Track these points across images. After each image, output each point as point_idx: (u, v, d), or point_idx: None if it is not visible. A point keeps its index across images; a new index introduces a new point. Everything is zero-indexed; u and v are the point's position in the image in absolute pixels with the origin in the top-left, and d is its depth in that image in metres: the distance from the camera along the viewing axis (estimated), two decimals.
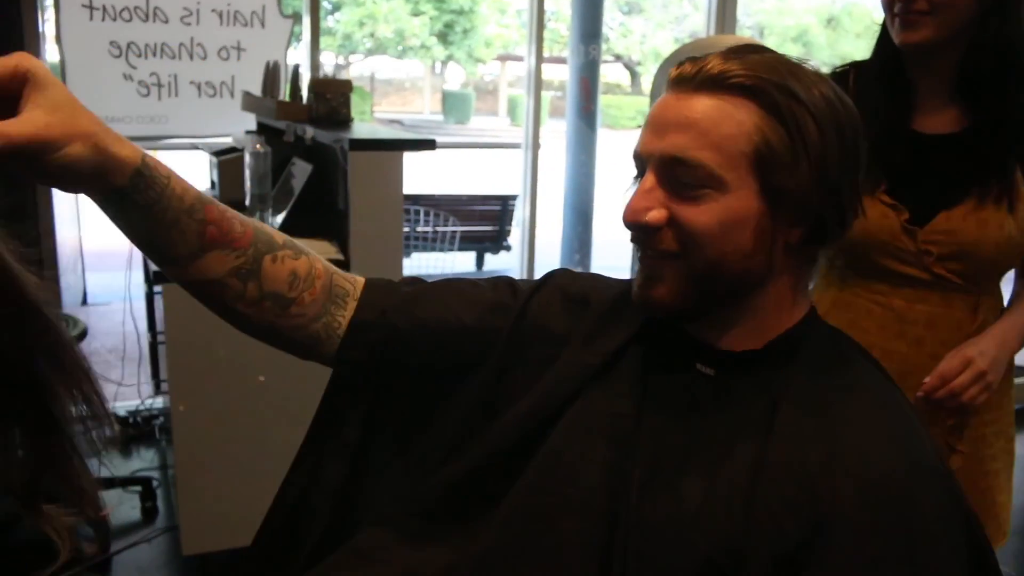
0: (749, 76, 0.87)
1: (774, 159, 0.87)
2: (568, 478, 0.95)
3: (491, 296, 1.08)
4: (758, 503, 0.86)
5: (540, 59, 4.61)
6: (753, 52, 0.90)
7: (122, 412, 3.86)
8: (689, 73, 0.90)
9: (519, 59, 21.84)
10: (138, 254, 3.80)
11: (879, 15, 1.53)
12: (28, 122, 0.74)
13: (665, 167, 0.89)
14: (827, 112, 0.88)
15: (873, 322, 1.56)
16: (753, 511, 0.86)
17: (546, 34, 4.66)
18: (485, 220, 6.41)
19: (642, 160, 0.93)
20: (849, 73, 1.61)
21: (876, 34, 1.57)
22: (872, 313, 1.56)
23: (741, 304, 0.94)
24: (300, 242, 1.04)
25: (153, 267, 2.63)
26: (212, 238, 0.91)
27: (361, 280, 1.08)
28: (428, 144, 2.82)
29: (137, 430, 3.79)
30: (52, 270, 3.81)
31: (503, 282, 1.11)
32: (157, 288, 2.71)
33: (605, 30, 6.15)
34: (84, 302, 5.43)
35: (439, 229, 4.62)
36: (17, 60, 0.74)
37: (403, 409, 1.11)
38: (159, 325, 3.18)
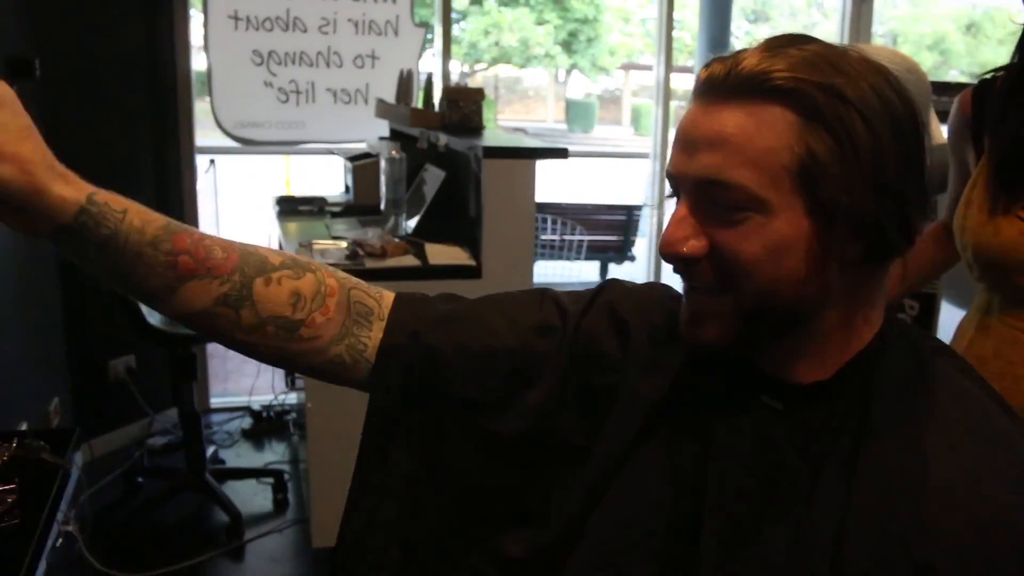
0: (787, 77, 0.76)
1: (821, 171, 0.76)
2: (633, 526, 0.88)
3: (537, 316, 0.97)
4: (847, 563, 0.77)
5: (669, 68, 4.59)
6: (792, 45, 0.79)
7: (256, 406, 4.02)
8: (719, 75, 0.79)
9: (643, 68, 21.67)
10: None
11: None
12: None
13: (700, 190, 0.80)
14: (878, 108, 0.77)
15: (1019, 352, 1.43)
16: (843, 571, 0.77)
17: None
18: (610, 230, 6.38)
19: (675, 181, 0.83)
20: (996, 79, 1.50)
21: (1019, 37, 1.44)
22: (1017, 343, 1.44)
23: (799, 333, 0.83)
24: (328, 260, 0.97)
25: None
26: (187, 268, 0.84)
27: (390, 296, 0.97)
28: (560, 152, 2.84)
29: (270, 424, 3.94)
30: None
31: (549, 298, 1.00)
32: None
33: (731, 39, 6.03)
34: None
35: (565, 238, 4.59)
36: None
37: (449, 437, 1.00)
38: None
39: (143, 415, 3.77)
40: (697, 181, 0.79)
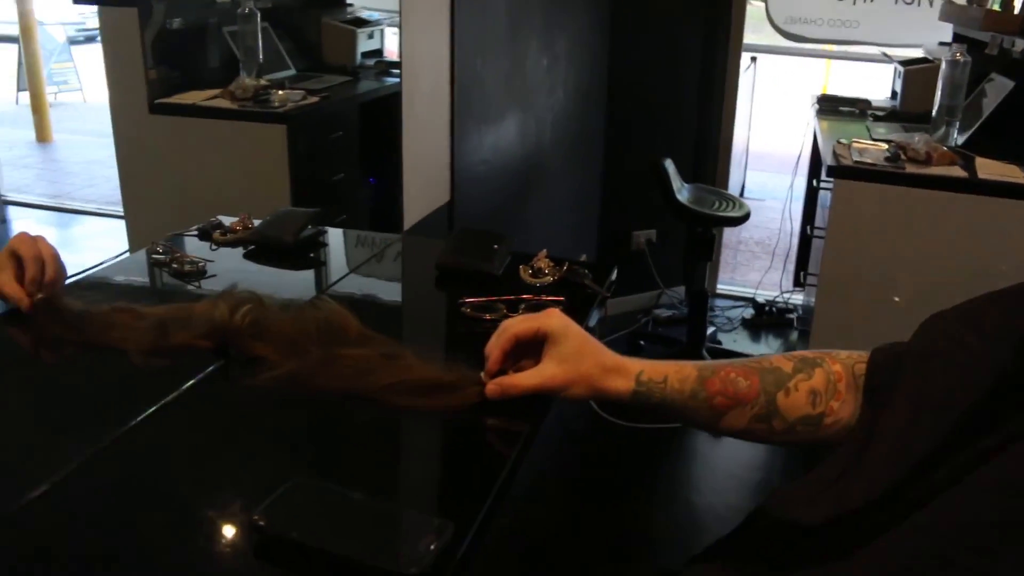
0: None
1: None
2: None
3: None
4: None
5: None
6: None
7: (760, 299, 4.09)
8: None
9: None
10: (804, 160, 3.94)
11: None
12: (537, 374, 0.97)
13: None
14: None
15: None
16: None
17: None
18: None
19: None
20: None
21: None
22: None
23: None
24: (811, 355, 0.98)
25: (827, 162, 2.69)
26: (722, 405, 0.97)
27: None
28: None
29: (770, 319, 4.00)
30: (725, 163, 4.11)
31: None
32: (826, 183, 2.77)
33: None
34: (740, 195, 5.80)
35: None
36: (539, 324, 0.97)
37: None
38: (818, 221, 3.27)
39: (654, 287, 4.04)
40: None
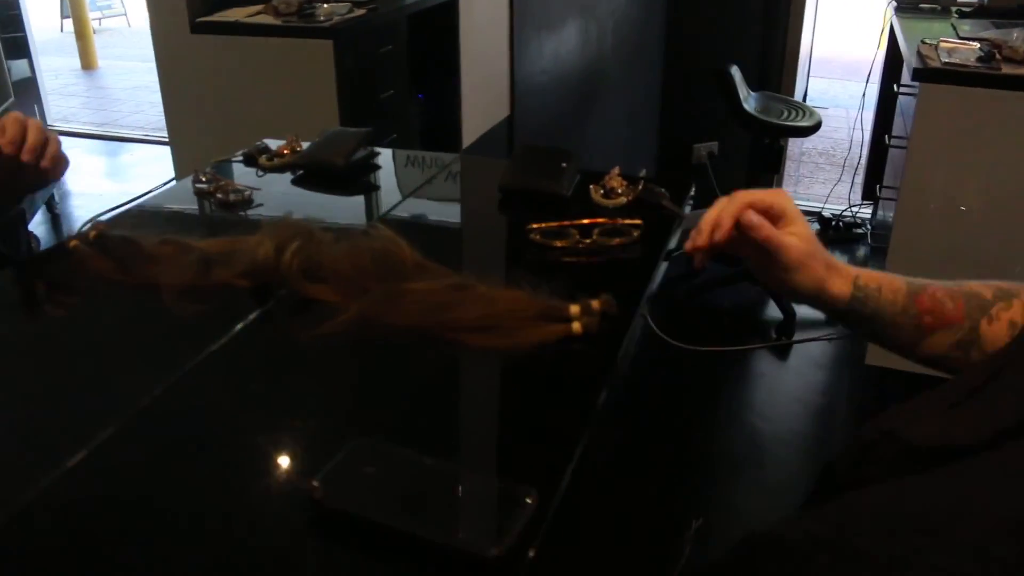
0: None
1: None
2: None
3: None
4: None
5: None
6: None
7: (827, 214, 3.93)
8: None
9: None
10: (877, 67, 3.71)
11: None
12: (783, 234, 0.88)
13: None
14: None
15: None
16: None
17: None
18: None
19: None
20: None
21: None
22: None
23: None
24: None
25: (912, 65, 2.50)
26: (928, 325, 0.92)
27: None
28: None
29: (837, 234, 3.84)
30: (791, 70, 3.91)
31: None
32: (908, 88, 2.58)
33: None
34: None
35: None
36: (773, 199, 0.90)
37: None
38: (896, 129, 3.08)
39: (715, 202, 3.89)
40: None
